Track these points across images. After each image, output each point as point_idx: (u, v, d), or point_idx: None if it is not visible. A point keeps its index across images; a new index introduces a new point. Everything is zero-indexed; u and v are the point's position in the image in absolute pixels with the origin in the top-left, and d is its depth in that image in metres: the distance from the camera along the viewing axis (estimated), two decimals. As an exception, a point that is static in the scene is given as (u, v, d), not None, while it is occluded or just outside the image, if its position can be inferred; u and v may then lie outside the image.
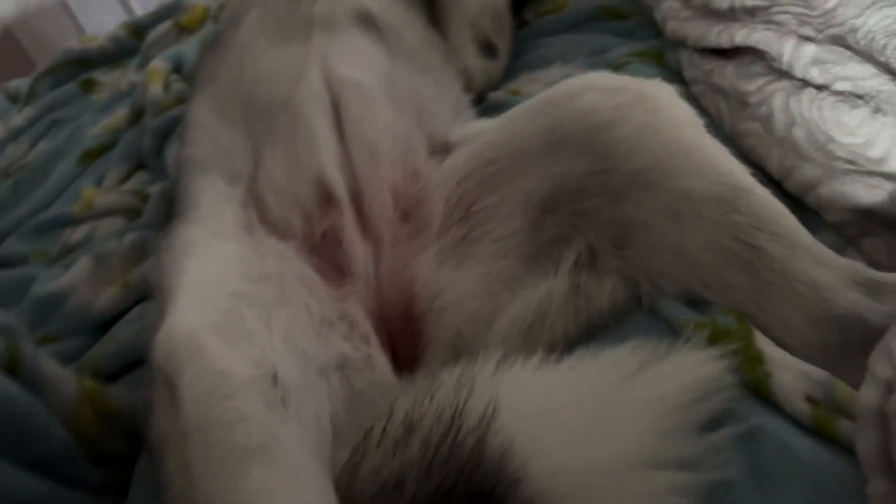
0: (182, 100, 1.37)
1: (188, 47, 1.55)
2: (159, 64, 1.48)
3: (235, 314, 0.65)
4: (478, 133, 0.82)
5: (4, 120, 1.64)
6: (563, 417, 0.61)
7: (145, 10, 2.14)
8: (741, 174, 0.67)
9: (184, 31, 1.67)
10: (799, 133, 0.86)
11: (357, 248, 0.78)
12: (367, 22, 0.92)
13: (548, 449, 0.59)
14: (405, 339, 0.76)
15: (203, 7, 1.71)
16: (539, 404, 0.63)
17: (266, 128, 0.83)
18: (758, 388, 0.66)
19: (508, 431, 0.60)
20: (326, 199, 0.80)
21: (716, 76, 0.99)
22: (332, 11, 0.90)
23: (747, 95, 0.93)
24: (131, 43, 1.77)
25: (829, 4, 0.92)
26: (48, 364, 0.81)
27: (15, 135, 1.59)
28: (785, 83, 0.90)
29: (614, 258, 0.72)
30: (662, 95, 0.72)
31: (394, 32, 0.93)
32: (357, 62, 0.86)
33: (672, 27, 1.12)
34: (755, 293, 0.64)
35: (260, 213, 0.81)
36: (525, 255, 0.74)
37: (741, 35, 0.96)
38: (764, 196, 0.66)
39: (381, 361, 0.74)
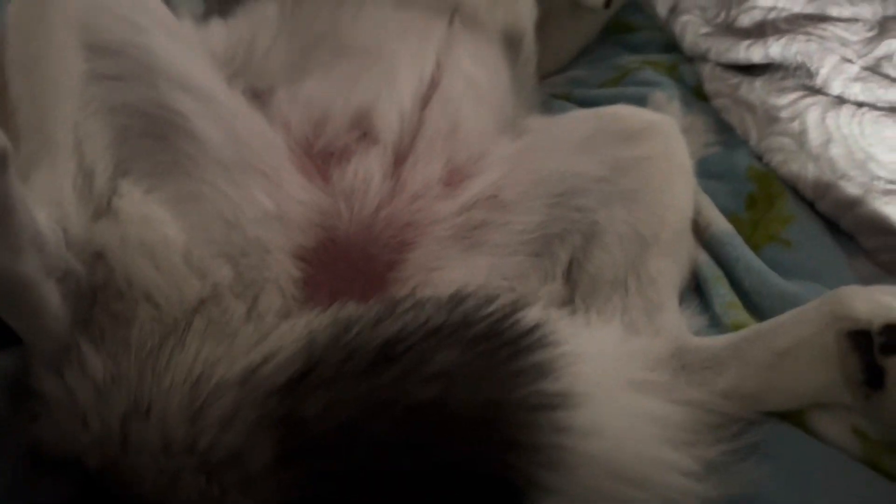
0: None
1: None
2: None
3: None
4: (539, 127, 0.81)
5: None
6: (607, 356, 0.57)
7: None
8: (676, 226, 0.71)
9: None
10: (836, 150, 0.81)
11: (371, 178, 0.69)
12: (512, 42, 0.90)
13: (585, 357, 0.54)
14: (351, 281, 0.66)
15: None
16: (579, 336, 0.57)
17: (331, 57, 0.77)
18: (794, 420, 0.60)
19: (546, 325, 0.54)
20: (359, 131, 0.72)
21: (742, 90, 0.95)
22: (483, 15, 0.87)
23: (778, 110, 0.89)
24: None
25: (870, 34, 0.90)
26: None
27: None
28: (820, 98, 0.86)
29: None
30: (670, 131, 0.75)
31: (526, 55, 0.93)
32: (482, 66, 0.83)
33: (691, 40, 1.07)
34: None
35: (257, 102, 0.72)
36: (533, 251, 0.71)
37: (776, 48, 0.92)
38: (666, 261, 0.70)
39: (281, 259, 0.65)
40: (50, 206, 0.58)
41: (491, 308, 0.54)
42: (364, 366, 0.50)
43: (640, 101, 0.96)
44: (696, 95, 1.04)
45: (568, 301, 0.68)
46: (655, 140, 0.73)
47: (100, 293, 0.60)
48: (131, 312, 0.59)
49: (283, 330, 0.55)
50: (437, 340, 0.51)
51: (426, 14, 0.82)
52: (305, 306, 0.62)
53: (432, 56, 0.79)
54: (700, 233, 0.77)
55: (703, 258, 0.74)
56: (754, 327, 0.62)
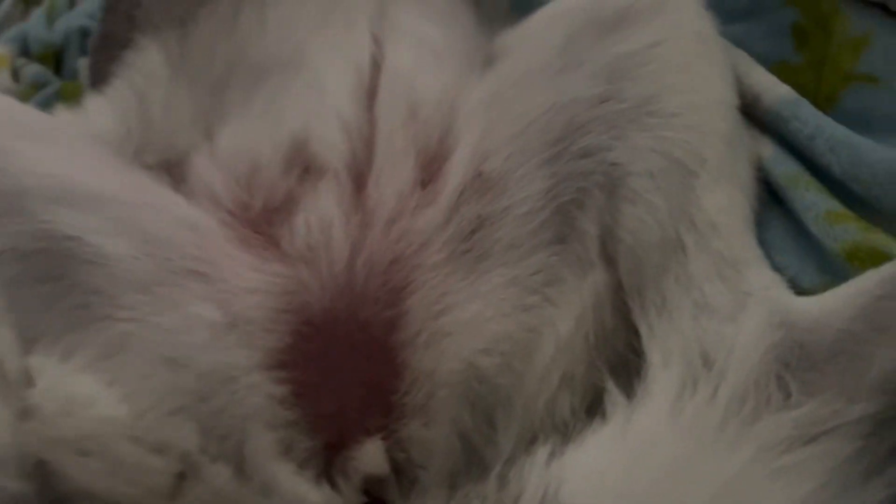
0: (37, 86, 1.09)
1: (33, 23, 1.25)
2: (2, 49, 1.17)
3: None
4: (509, 46, 0.63)
5: None
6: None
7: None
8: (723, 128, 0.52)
9: (29, 3, 1.35)
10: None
11: (330, 220, 0.53)
12: None
13: None
14: (351, 369, 0.50)
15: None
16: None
17: (245, 87, 0.62)
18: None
19: None
20: (299, 167, 0.56)
21: None
22: None
23: None
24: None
25: None
26: None
27: None
28: None
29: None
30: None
31: None
32: (430, 13, 0.65)
33: None
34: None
35: (174, 176, 0.58)
36: (553, 236, 0.53)
37: None
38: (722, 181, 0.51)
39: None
40: None
41: None
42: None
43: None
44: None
45: (618, 288, 0.50)
46: (652, 15, 0.54)
47: None
48: None
49: None
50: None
51: None
52: (305, 425, 0.48)
53: (365, 33, 0.62)
54: (750, 114, 0.57)
55: (769, 153, 0.54)
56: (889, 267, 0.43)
